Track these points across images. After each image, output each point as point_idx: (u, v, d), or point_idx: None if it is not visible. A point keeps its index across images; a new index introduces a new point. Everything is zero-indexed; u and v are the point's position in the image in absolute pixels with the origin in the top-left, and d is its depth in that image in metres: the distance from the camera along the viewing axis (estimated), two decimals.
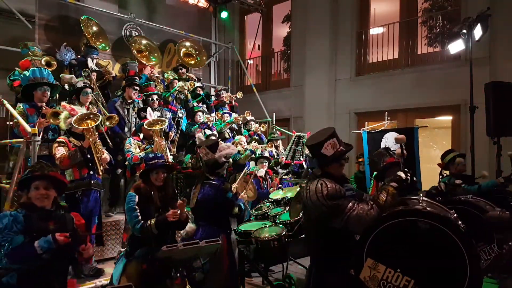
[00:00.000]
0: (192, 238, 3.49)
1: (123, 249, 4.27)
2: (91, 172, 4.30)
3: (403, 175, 2.44)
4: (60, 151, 4.06)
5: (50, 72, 5.06)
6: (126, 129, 5.82)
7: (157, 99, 6.37)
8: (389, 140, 6.83)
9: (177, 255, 2.73)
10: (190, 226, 3.59)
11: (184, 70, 8.31)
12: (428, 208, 2.32)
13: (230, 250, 3.55)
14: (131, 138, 4.99)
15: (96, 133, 4.31)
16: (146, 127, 4.89)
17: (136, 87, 6.06)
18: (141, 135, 5.06)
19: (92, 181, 4.30)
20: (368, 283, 2.34)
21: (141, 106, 6.10)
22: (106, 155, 4.35)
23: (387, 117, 7.64)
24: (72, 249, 2.52)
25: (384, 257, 2.32)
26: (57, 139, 4.21)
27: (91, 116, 4.25)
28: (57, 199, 2.59)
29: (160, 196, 3.27)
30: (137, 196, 3.20)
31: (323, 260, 2.54)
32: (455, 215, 2.42)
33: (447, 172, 4.80)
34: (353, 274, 2.41)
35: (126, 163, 4.97)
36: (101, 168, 4.27)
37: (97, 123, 4.25)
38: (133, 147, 4.82)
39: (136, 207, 3.15)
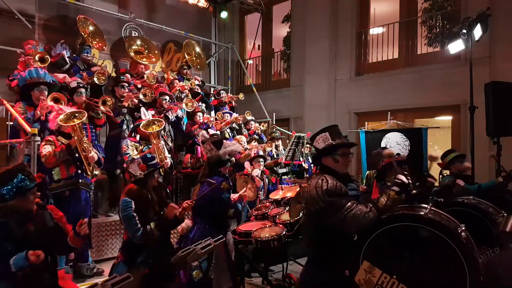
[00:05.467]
0: (187, 235, 3.47)
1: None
2: (79, 171, 4.25)
3: (404, 179, 2.35)
4: (46, 149, 4.02)
5: (46, 72, 5.07)
6: (124, 127, 5.80)
7: (169, 100, 6.37)
8: (391, 140, 6.77)
9: (192, 258, 2.59)
10: (186, 222, 3.55)
11: (187, 71, 8.29)
12: (430, 215, 2.25)
13: (227, 250, 3.52)
14: (128, 140, 4.88)
15: (84, 131, 4.26)
16: (142, 128, 4.79)
17: (124, 85, 6.03)
18: (138, 136, 4.95)
19: (80, 180, 4.25)
20: (363, 286, 2.28)
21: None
22: (94, 154, 4.30)
23: (389, 117, 7.61)
24: (60, 244, 2.50)
25: (381, 261, 2.26)
26: (45, 138, 4.16)
27: (76, 114, 4.19)
28: None
29: (156, 196, 3.20)
30: (133, 202, 3.03)
31: (317, 257, 2.51)
32: (463, 228, 2.32)
33: (447, 172, 4.80)
34: (348, 275, 2.36)
35: (124, 165, 4.88)
36: (90, 167, 4.23)
37: (82, 120, 4.16)
38: (131, 149, 4.72)
39: (134, 214, 2.98)
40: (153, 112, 5.85)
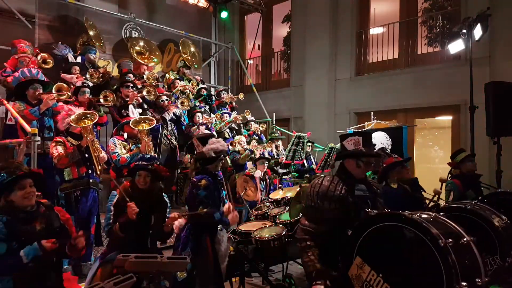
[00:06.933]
0: (179, 234, 3.45)
1: None
2: (90, 171, 4.29)
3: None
4: (58, 150, 4.08)
5: (40, 72, 5.07)
6: None
7: (166, 100, 6.37)
8: (376, 140, 6.90)
9: (128, 266, 2.37)
10: (179, 221, 3.48)
11: (186, 71, 8.30)
12: (413, 216, 2.22)
13: (214, 249, 3.47)
14: (115, 138, 4.75)
15: (94, 132, 4.31)
16: (131, 125, 4.72)
17: (129, 85, 6.04)
18: (125, 135, 4.83)
19: (91, 180, 4.29)
20: (354, 281, 2.30)
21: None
22: (104, 154, 4.36)
23: (372, 117, 7.71)
24: (63, 247, 2.46)
25: (370, 259, 2.27)
26: (55, 139, 4.22)
27: (88, 115, 4.26)
28: (38, 196, 2.53)
29: (141, 199, 3.04)
30: (117, 196, 3.09)
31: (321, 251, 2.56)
32: (471, 238, 2.24)
33: (458, 171, 4.77)
34: (341, 269, 2.40)
35: (112, 165, 4.68)
36: (99, 167, 4.26)
37: (94, 121, 4.24)
38: (119, 148, 4.62)
39: (112, 208, 3.04)
40: (140, 110, 5.77)
